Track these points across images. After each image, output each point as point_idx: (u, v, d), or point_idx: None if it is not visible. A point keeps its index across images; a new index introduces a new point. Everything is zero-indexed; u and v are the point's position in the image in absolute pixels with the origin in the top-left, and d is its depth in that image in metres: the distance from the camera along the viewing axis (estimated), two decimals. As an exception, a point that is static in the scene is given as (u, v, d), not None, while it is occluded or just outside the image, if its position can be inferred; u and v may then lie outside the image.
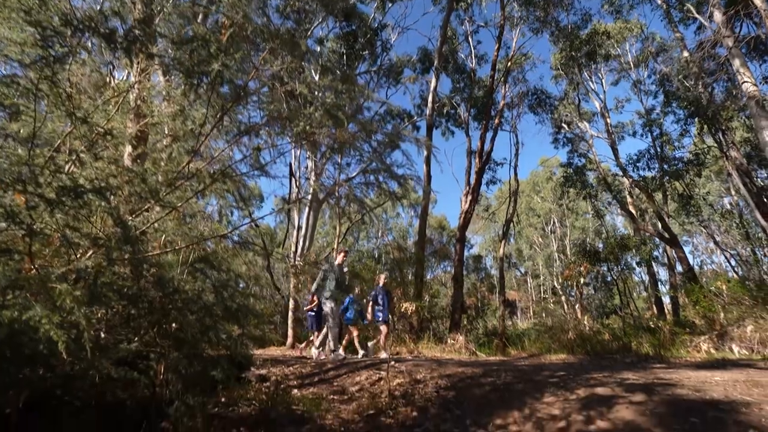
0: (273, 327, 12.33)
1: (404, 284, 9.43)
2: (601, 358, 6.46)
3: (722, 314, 7.76)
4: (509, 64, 15.46)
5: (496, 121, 14.16)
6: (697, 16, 13.41)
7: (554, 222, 29.58)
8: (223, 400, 3.44)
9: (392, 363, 4.35)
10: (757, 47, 12.97)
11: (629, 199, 16.86)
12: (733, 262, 21.05)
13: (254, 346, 9.88)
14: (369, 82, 14.62)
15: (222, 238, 3.24)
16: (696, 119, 14.62)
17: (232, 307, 2.33)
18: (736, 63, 9.44)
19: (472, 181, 12.42)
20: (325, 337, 6.12)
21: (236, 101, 2.88)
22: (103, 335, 2.51)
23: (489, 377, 3.37)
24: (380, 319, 6.92)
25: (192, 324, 2.39)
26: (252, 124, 3.03)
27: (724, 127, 13.12)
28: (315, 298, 7.47)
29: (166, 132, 3.79)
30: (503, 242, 15.37)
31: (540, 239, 31.05)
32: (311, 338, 7.51)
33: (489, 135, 13.24)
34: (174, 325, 2.69)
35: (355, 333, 6.90)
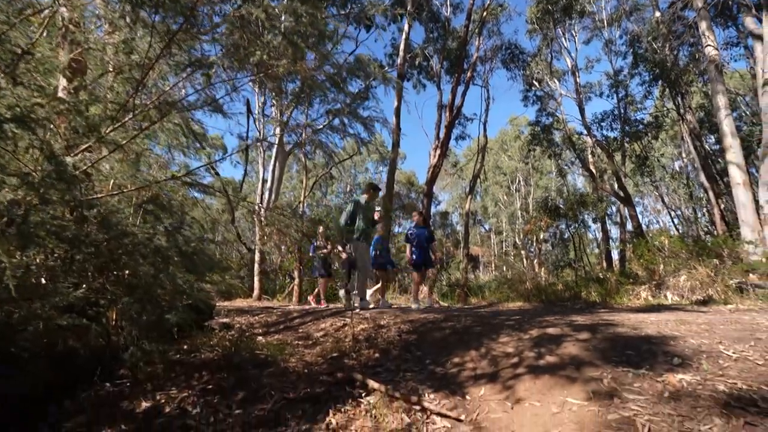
0: (240, 279, 12.27)
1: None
2: (554, 305, 6.94)
3: (662, 266, 8.43)
4: (485, 14, 14.90)
5: (469, 74, 13.87)
6: (672, -27, 13.29)
7: (519, 180, 30.42)
8: (185, 347, 3.41)
9: (356, 310, 4.45)
10: (723, 12, 13.18)
11: (591, 159, 17.48)
12: (676, 221, 22.85)
13: (220, 298, 9.83)
14: (338, 27, 13.66)
15: (176, 181, 3.02)
16: (659, 82, 15.01)
17: (188, 251, 2.22)
18: (703, 26, 9.56)
19: (442, 135, 12.33)
20: (362, 282, 5.33)
21: (185, 24, 2.56)
22: (44, 281, 2.35)
23: (449, 322, 3.52)
24: (418, 262, 5.97)
25: (145, 269, 2.27)
26: (205, 57, 2.73)
27: (683, 91, 13.58)
28: (328, 242, 7.03)
29: (110, 65, 3.39)
30: (469, 198, 15.70)
31: (505, 197, 32.01)
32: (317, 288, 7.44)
33: (460, 89, 13.03)
34: (127, 271, 2.56)
35: (381, 281, 6.32)
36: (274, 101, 9.73)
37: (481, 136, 16.88)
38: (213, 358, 3.12)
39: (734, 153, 8.54)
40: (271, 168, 11.46)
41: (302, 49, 2.10)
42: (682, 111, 13.47)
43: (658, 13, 14.02)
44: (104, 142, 2.55)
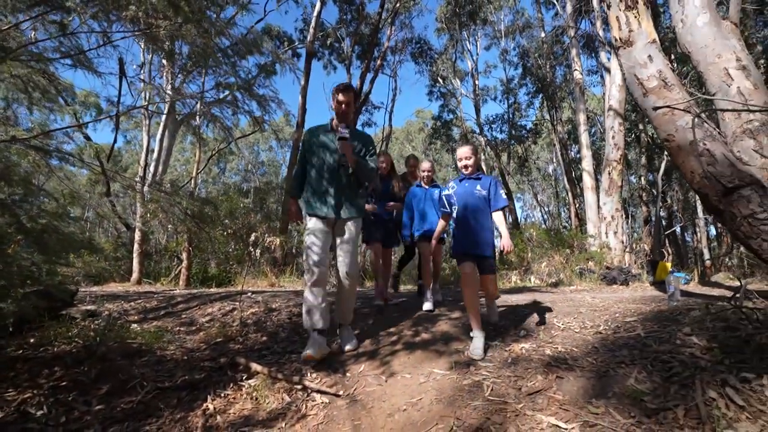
0: (116, 261, 10.75)
1: (269, 219, 9.18)
2: (441, 288, 7.64)
3: (529, 254, 9.91)
4: (398, 5, 15.21)
5: (379, 62, 14.11)
6: (555, 2, 15.27)
7: (422, 171, 32.12)
8: (31, 340, 2.92)
9: (248, 294, 4.31)
10: (589, 43, 15.66)
11: (483, 156, 19.35)
12: (546, 216, 26.83)
13: (87, 283, 8.51)
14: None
15: (14, 141, 2.50)
16: (540, 95, 17.26)
17: (34, 228, 1.89)
18: (573, 52, 11.25)
19: (350, 121, 12.38)
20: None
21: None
22: None
23: (341, 304, 3.65)
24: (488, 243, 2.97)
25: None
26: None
27: (557, 105, 15.86)
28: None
29: None
30: (374, 185, 16.14)
31: (408, 186, 33.54)
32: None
33: (370, 76, 13.18)
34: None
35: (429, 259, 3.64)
36: (163, 62, 8.58)
37: (386, 125, 17.40)
38: (70, 351, 2.74)
39: (587, 162, 10.35)
40: (158, 137, 10.17)
41: (185, 12, 1.89)
42: (554, 123, 15.75)
43: (543, 34, 16.02)
44: None
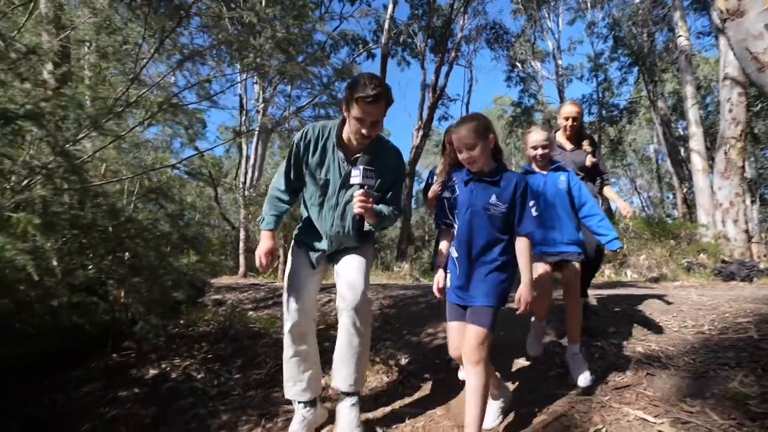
0: (224, 257, 12.46)
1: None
2: (524, 282, 7.46)
3: (626, 245, 9.08)
4: (470, -7, 14.82)
5: (453, 54, 13.94)
6: (653, -42, 13.48)
7: (501, 160, 30.84)
8: (182, 322, 3.68)
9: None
10: (699, 0, 13.54)
11: (568, 142, 17.99)
12: (646, 203, 23.96)
13: (208, 276, 10.03)
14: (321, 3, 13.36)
15: (172, 168, 3.22)
16: (636, 68, 15.43)
17: (188, 235, 2.46)
18: (676, 15, 9.90)
19: (425, 115, 12.50)
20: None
21: (178, 22, 2.69)
22: (54, 264, 2.55)
23: (426, 297, 3.89)
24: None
25: (148, 252, 2.50)
26: (197, 48, 2.88)
27: (657, 79, 14.05)
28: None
29: (91, 47, 3.46)
30: (451, 179, 16.04)
31: (486, 177, 32.43)
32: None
33: (444, 69, 13.12)
34: (127, 253, 2.78)
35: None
36: (257, 79, 9.68)
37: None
38: (210, 331, 3.41)
39: (696, 141, 9.09)
40: (254, 145, 11.48)
41: (292, 55, 2.29)
42: (654, 98, 13.99)
43: (638, -2, 14.27)
44: (103, 133, 2.71)
